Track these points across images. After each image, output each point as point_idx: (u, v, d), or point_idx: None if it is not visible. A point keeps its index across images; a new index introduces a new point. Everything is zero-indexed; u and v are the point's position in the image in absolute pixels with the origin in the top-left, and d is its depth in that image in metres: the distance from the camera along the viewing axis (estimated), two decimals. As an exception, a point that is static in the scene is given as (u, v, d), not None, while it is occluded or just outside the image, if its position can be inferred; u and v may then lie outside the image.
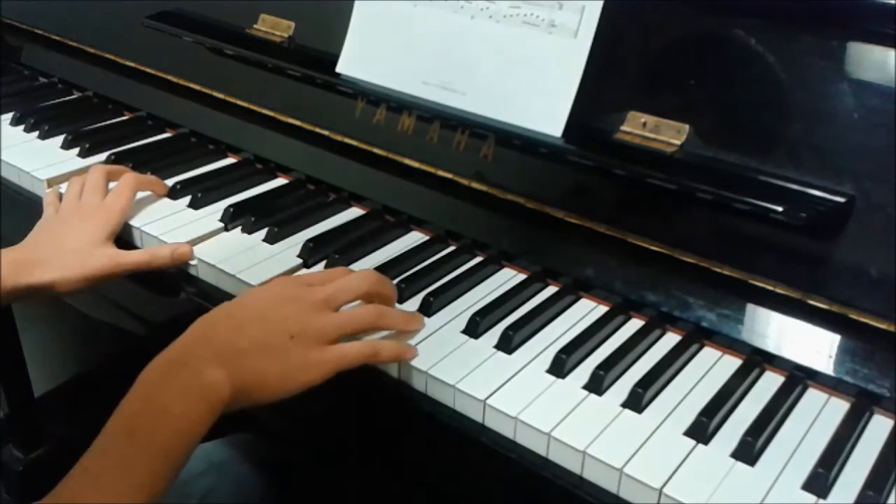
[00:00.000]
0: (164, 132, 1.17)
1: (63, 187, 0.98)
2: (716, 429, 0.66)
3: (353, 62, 0.97)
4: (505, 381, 0.70)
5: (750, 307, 0.75)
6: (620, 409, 0.68)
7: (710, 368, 0.74)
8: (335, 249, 0.87)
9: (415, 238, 0.92)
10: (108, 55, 1.24)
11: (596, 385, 0.70)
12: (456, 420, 0.70)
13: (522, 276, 0.85)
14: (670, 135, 0.79)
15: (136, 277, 0.91)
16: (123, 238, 0.93)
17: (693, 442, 0.65)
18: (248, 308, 0.71)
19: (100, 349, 1.50)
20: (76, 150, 1.09)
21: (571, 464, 0.65)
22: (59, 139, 1.12)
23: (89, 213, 0.92)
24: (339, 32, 0.97)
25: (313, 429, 0.87)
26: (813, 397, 0.71)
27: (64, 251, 0.87)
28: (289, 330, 0.68)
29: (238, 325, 0.69)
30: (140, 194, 0.98)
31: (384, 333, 0.75)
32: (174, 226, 0.93)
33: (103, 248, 0.88)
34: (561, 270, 0.84)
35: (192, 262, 0.88)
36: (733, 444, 0.65)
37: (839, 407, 0.70)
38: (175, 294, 0.91)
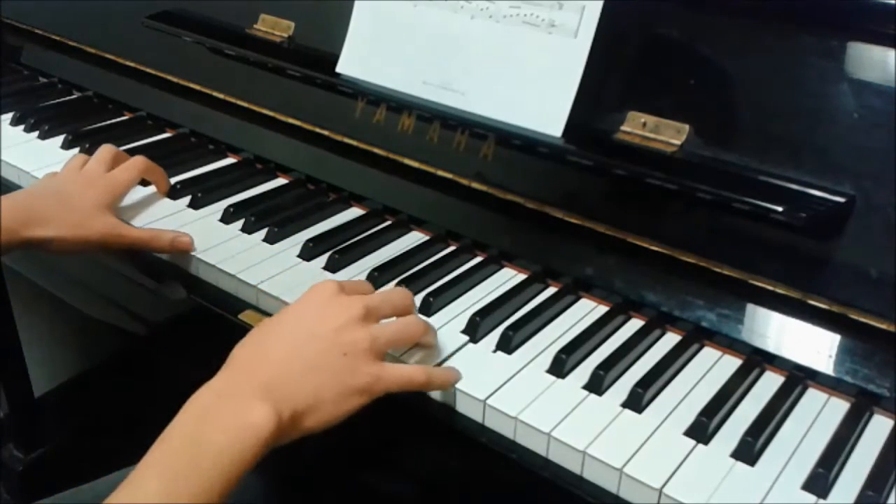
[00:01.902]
0: (164, 132, 1.17)
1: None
2: (716, 429, 0.66)
3: (353, 62, 0.97)
4: (505, 381, 0.70)
5: (750, 307, 0.75)
6: (620, 409, 0.68)
7: (710, 368, 0.74)
8: (335, 249, 0.87)
9: (415, 238, 0.92)
10: (108, 55, 1.24)
11: (596, 385, 0.70)
12: (455, 420, 0.70)
13: (522, 276, 0.85)
14: (670, 135, 0.79)
15: (136, 277, 0.91)
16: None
17: (693, 442, 0.65)
18: (293, 327, 0.67)
19: (100, 349, 1.50)
20: (76, 150, 1.09)
21: (571, 464, 0.65)
22: (59, 139, 1.12)
23: (93, 180, 0.92)
24: (339, 32, 0.97)
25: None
26: (813, 397, 0.71)
27: (65, 210, 0.87)
28: (341, 346, 0.64)
29: (284, 348, 0.65)
30: (141, 193, 0.98)
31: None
32: (174, 226, 0.92)
33: (105, 215, 0.89)
34: (561, 270, 0.84)
35: (193, 259, 0.88)
36: (733, 444, 0.65)
37: (839, 407, 0.70)
38: (175, 294, 0.91)
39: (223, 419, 0.60)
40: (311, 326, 0.66)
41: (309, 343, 0.65)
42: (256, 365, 0.64)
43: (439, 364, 0.72)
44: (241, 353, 0.65)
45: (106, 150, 0.97)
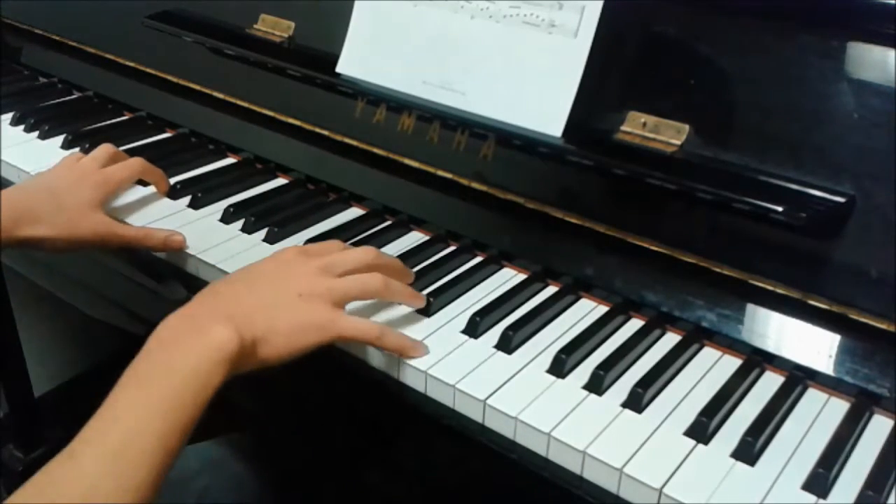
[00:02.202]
0: (164, 132, 1.17)
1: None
2: (716, 429, 0.66)
3: (353, 62, 0.97)
4: (505, 381, 0.70)
5: (750, 307, 0.75)
6: (620, 409, 0.68)
7: (710, 368, 0.74)
8: (335, 249, 0.87)
9: (415, 238, 0.92)
10: (108, 55, 1.24)
11: (596, 385, 0.70)
12: (456, 420, 0.70)
13: (522, 276, 0.85)
14: (670, 135, 0.79)
15: (136, 277, 0.91)
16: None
17: (693, 442, 0.65)
18: (254, 272, 0.73)
19: (100, 349, 1.50)
20: (76, 150, 1.09)
21: (571, 464, 0.65)
22: (59, 139, 1.12)
23: (85, 175, 0.92)
24: (339, 32, 0.97)
25: (311, 428, 0.87)
26: (813, 397, 0.71)
27: (57, 208, 0.87)
28: (297, 288, 0.70)
29: (246, 287, 0.71)
30: (141, 193, 0.98)
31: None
32: (174, 226, 0.92)
33: (97, 213, 0.89)
34: (561, 270, 0.84)
35: (193, 259, 0.88)
36: (733, 444, 0.65)
37: (839, 407, 0.70)
38: (175, 294, 0.91)
39: (189, 340, 0.64)
40: (269, 273, 0.72)
41: (267, 287, 0.71)
42: (217, 300, 0.70)
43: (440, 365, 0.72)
44: (204, 293, 0.70)
45: (103, 149, 0.97)
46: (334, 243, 0.79)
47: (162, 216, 0.95)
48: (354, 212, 0.97)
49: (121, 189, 0.94)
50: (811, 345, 0.72)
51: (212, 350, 0.63)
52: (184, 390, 0.61)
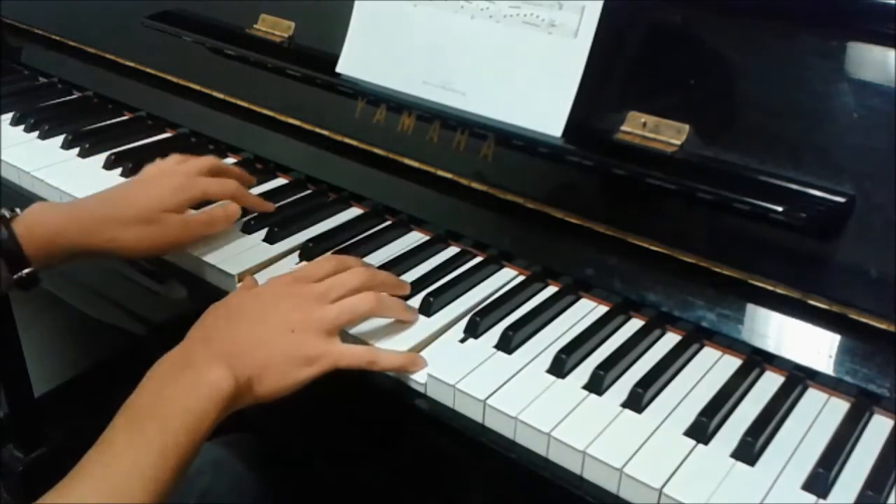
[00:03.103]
0: (164, 132, 1.17)
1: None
2: (716, 429, 0.66)
3: (353, 62, 0.97)
4: (505, 381, 0.70)
5: (750, 307, 0.75)
6: (620, 409, 0.68)
7: (710, 368, 0.74)
8: (335, 249, 0.87)
9: (415, 238, 0.92)
10: (108, 55, 1.24)
11: (596, 385, 0.70)
12: (456, 420, 0.70)
13: (522, 276, 0.85)
14: (670, 135, 0.79)
15: (136, 277, 0.91)
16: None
17: (693, 442, 0.65)
18: (246, 308, 0.72)
19: (100, 349, 1.50)
20: (76, 150, 1.09)
21: (571, 464, 0.65)
22: (59, 139, 1.12)
23: (169, 175, 0.88)
24: (339, 32, 0.97)
25: (311, 428, 0.87)
26: (813, 397, 0.71)
27: (125, 211, 0.84)
28: (289, 323, 0.70)
29: (238, 324, 0.70)
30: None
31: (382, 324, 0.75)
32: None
33: (170, 215, 0.85)
34: (561, 270, 0.84)
35: (193, 259, 0.88)
36: (733, 444, 0.65)
37: (839, 407, 0.70)
38: (175, 294, 0.91)
39: (185, 381, 0.65)
40: (261, 309, 0.72)
41: (259, 323, 0.70)
42: (211, 338, 0.69)
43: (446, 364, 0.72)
44: (196, 331, 0.70)
45: (206, 159, 0.92)
46: (327, 261, 0.78)
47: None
48: (354, 212, 0.97)
49: (205, 197, 0.88)
50: (811, 345, 0.72)
51: (207, 392, 0.64)
52: (179, 431, 0.63)
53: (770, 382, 0.72)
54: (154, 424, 0.63)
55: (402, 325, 0.77)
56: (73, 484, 0.60)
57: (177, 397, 0.64)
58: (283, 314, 0.71)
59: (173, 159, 0.91)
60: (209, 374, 0.65)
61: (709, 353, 0.76)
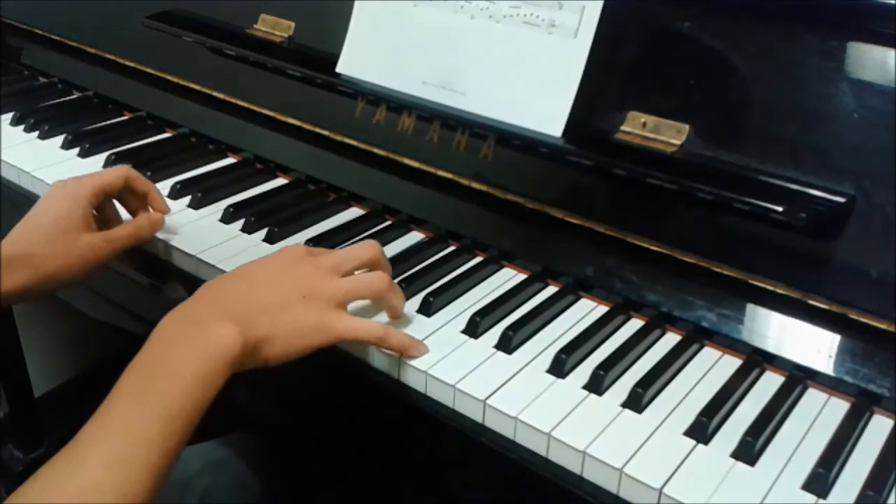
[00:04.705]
0: (164, 132, 1.17)
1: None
2: (716, 429, 0.66)
3: (353, 62, 0.97)
4: (505, 381, 0.70)
5: (750, 307, 0.75)
6: (620, 409, 0.68)
7: (710, 368, 0.74)
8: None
9: (415, 238, 0.92)
10: (108, 55, 1.24)
11: (596, 385, 0.70)
12: (456, 420, 0.70)
13: (522, 276, 0.85)
14: (670, 135, 0.79)
15: (136, 277, 0.90)
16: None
17: (693, 442, 0.65)
18: (258, 271, 0.72)
19: (100, 349, 1.50)
20: (76, 150, 1.09)
21: (571, 464, 0.65)
22: (59, 139, 1.12)
23: (68, 193, 0.85)
24: (339, 32, 0.97)
25: (312, 428, 0.87)
26: (813, 397, 0.71)
27: (52, 245, 0.82)
28: (301, 290, 0.69)
29: (249, 286, 0.69)
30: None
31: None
32: (174, 226, 0.92)
33: (83, 235, 0.83)
34: (561, 270, 0.84)
35: (193, 259, 0.88)
36: (733, 444, 0.65)
37: (839, 407, 0.70)
38: (175, 294, 0.91)
39: (192, 339, 0.63)
40: (273, 273, 0.71)
41: (270, 286, 0.69)
42: (220, 298, 0.68)
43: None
44: (205, 289, 0.69)
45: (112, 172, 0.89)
46: (338, 250, 0.78)
47: (162, 216, 0.95)
48: (354, 212, 0.97)
49: (103, 192, 0.86)
50: (811, 345, 0.72)
51: (215, 350, 0.63)
52: (187, 393, 0.61)
53: (770, 382, 0.72)
54: (160, 386, 0.61)
55: (402, 322, 0.77)
56: (80, 453, 0.58)
57: (184, 357, 0.62)
58: (296, 281, 0.70)
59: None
60: (218, 333, 0.63)
61: (709, 353, 0.76)
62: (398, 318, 0.76)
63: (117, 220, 0.90)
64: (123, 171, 0.89)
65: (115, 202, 0.91)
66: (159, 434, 0.59)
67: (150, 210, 0.91)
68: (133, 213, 0.91)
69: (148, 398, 0.60)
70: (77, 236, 0.83)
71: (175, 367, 0.62)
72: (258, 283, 0.70)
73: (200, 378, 0.62)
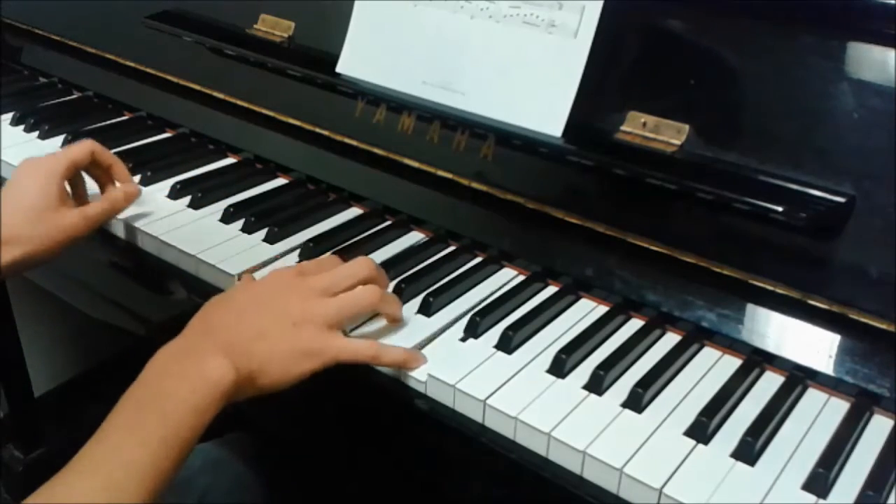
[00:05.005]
0: (164, 132, 1.17)
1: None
2: (716, 429, 0.66)
3: (353, 62, 0.97)
4: (505, 381, 0.70)
5: (750, 307, 0.75)
6: (620, 409, 0.68)
7: (710, 368, 0.74)
8: (335, 249, 0.87)
9: (415, 238, 0.92)
10: (108, 55, 1.24)
11: (596, 385, 0.70)
12: (456, 420, 0.70)
13: (522, 276, 0.85)
14: (670, 135, 0.79)
15: (135, 276, 0.90)
16: (125, 239, 0.93)
17: (693, 442, 0.65)
18: (247, 299, 0.72)
19: (100, 349, 1.50)
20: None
21: (571, 464, 0.65)
22: (59, 139, 1.12)
23: (38, 166, 0.87)
24: (339, 32, 0.97)
25: (311, 428, 0.87)
26: (813, 397, 0.71)
27: (25, 220, 0.83)
28: (291, 315, 0.69)
29: (239, 316, 0.70)
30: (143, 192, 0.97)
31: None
32: (175, 225, 0.92)
33: (59, 211, 0.85)
34: (561, 270, 0.84)
35: (193, 259, 0.88)
36: (733, 444, 0.65)
37: (839, 407, 0.70)
38: (175, 294, 0.91)
39: (185, 372, 0.65)
40: (263, 300, 0.71)
41: (261, 315, 0.70)
42: (212, 329, 0.69)
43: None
44: (197, 320, 0.70)
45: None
46: (331, 259, 0.78)
47: (162, 216, 0.95)
48: (354, 212, 0.97)
49: (74, 168, 0.88)
50: (811, 345, 0.72)
51: (208, 384, 0.64)
52: (180, 424, 0.62)
53: (770, 382, 0.72)
54: (154, 417, 0.62)
55: (402, 324, 0.77)
56: (70, 477, 0.59)
57: (177, 389, 0.63)
58: (285, 307, 0.70)
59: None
60: (210, 366, 0.65)
61: (709, 353, 0.76)
62: (397, 323, 0.76)
63: (86, 195, 0.93)
64: (89, 144, 0.91)
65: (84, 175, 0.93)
66: (152, 461, 0.60)
67: (116, 183, 0.93)
68: (101, 186, 0.94)
69: (141, 427, 0.62)
70: (56, 214, 0.85)
71: (168, 400, 0.63)
72: (249, 312, 0.70)
73: (193, 409, 0.63)
